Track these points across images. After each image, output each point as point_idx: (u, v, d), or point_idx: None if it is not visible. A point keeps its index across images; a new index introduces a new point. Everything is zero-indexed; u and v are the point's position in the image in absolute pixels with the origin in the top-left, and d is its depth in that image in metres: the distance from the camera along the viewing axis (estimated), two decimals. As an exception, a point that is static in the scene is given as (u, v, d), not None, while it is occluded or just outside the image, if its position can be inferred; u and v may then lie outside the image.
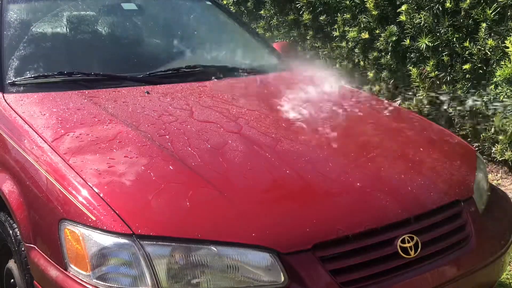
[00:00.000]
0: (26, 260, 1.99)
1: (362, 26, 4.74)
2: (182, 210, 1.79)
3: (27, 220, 1.98)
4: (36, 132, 2.16)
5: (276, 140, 2.28)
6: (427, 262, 1.93)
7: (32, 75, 2.60)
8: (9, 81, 2.55)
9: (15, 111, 2.33)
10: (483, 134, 4.13)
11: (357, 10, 4.79)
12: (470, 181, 2.25)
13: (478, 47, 3.87)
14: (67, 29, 3.02)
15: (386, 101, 3.22)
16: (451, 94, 4.19)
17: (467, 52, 3.96)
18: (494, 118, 3.94)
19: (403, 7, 4.26)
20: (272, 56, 3.41)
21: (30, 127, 2.20)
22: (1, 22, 2.79)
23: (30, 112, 2.34)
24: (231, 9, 6.00)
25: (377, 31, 4.60)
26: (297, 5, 5.34)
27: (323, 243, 1.78)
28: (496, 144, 4.04)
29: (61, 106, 2.41)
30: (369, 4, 4.54)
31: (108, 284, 1.71)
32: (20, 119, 2.27)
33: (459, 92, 4.12)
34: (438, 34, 4.10)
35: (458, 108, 4.18)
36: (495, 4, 3.76)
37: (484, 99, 3.93)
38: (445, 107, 4.34)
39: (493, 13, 3.77)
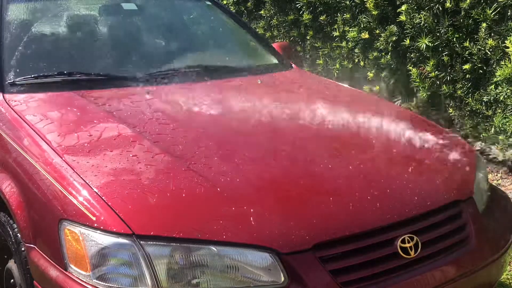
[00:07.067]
0: (26, 260, 1.99)
1: (362, 26, 4.74)
2: (182, 210, 1.79)
3: (27, 220, 1.98)
4: (36, 132, 2.16)
5: (276, 140, 2.28)
6: (427, 262, 1.93)
7: (32, 75, 2.59)
8: (9, 81, 2.54)
9: (15, 111, 2.33)
10: (483, 134, 4.13)
11: (357, 10, 4.78)
12: (470, 181, 2.24)
13: (478, 47, 3.87)
14: (67, 29, 3.02)
15: (386, 102, 3.22)
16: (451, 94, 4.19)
17: (467, 52, 3.96)
18: (494, 118, 3.94)
19: (403, 7, 4.26)
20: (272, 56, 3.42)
21: (30, 127, 2.20)
22: (1, 22, 2.79)
23: (30, 112, 2.34)
24: (231, 9, 6.00)
25: (377, 31, 4.60)
26: (297, 5, 5.34)
27: (323, 243, 1.78)
28: (496, 144, 4.04)
29: (61, 106, 2.41)
30: (369, 4, 4.54)
31: (108, 284, 1.71)
32: (20, 119, 2.27)
33: (458, 92, 4.12)
34: (438, 34, 4.10)
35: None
36: (495, 4, 3.76)
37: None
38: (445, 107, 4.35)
39: (493, 13, 3.76)
